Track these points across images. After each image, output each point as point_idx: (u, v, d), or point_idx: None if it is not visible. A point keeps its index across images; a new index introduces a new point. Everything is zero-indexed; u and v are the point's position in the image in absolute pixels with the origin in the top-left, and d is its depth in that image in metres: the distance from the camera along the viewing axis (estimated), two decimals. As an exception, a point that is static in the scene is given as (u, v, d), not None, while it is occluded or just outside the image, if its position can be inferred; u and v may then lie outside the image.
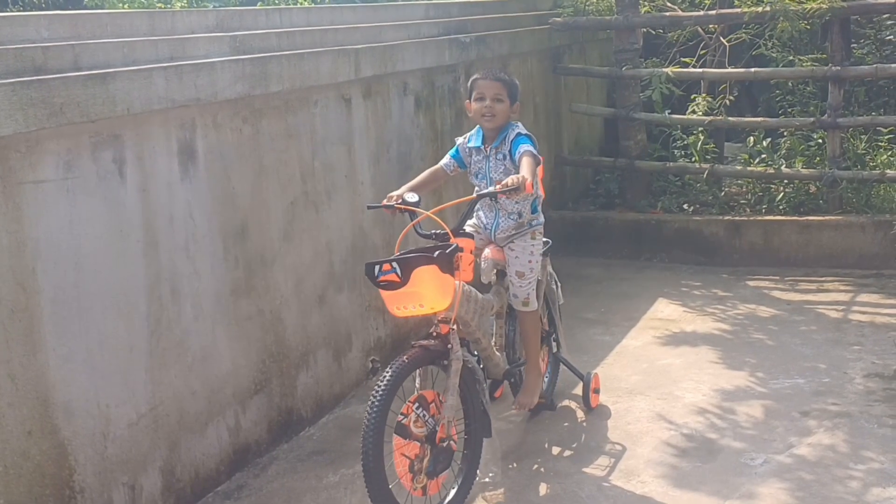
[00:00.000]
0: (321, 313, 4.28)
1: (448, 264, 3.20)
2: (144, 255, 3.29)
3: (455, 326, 3.31)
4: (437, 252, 3.19)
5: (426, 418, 3.20)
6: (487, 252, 3.72)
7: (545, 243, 3.93)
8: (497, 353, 3.75)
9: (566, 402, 4.28)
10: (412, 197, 3.47)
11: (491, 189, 3.42)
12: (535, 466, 3.67)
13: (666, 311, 5.43)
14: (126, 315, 3.22)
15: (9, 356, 2.79)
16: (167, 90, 3.27)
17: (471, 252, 3.48)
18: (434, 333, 3.31)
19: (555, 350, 4.19)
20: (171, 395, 3.40)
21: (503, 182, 3.30)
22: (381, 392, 3.05)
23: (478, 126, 3.75)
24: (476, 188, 3.76)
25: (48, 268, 2.91)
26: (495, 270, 3.77)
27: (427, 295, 3.17)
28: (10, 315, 2.79)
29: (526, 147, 3.52)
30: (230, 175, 3.70)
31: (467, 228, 3.73)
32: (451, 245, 3.26)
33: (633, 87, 6.83)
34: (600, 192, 7.22)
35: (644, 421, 4.04)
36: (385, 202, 3.51)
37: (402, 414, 3.17)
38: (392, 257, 3.23)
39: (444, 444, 3.22)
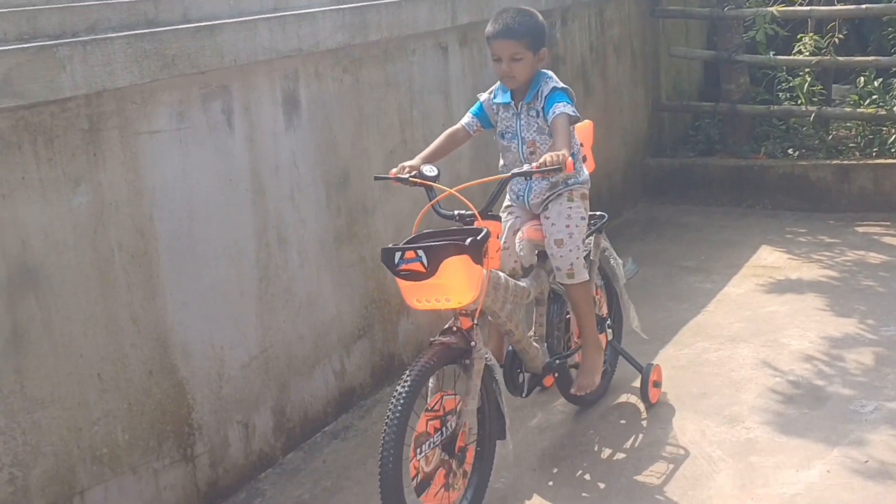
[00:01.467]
0: (421, 261, 4.33)
1: (479, 252, 2.79)
2: (252, 203, 3.39)
3: (478, 321, 2.92)
4: (468, 239, 2.77)
5: (445, 425, 2.85)
6: (522, 233, 3.32)
7: (599, 217, 3.55)
8: (535, 345, 3.31)
9: (624, 398, 3.81)
10: (430, 170, 3.08)
11: (526, 168, 3.03)
12: (579, 472, 3.28)
13: (769, 259, 5.30)
14: (236, 262, 3.33)
15: (130, 299, 2.93)
16: (271, 41, 3.33)
17: (497, 236, 3.12)
18: (454, 328, 2.90)
19: (610, 338, 3.75)
20: (280, 338, 3.52)
21: (541, 160, 2.91)
22: (401, 398, 2.69)
23: None
24: (502, 151, 3.38)
25: (164, 216, 3.04)
26: (536, 252, 3.37)
27: (455, 288, 2.77)
28: (130, 260, 2.92)
29: (561, 107, 3.10)
30: (332, 124, 3.76)
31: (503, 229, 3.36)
32: (482, 230, 2.83)
33: (736, 28, 6.60)
34: (700, 139, 7.05)
35: (748, 368, 3.97)
36: (396, 172, 3.11)
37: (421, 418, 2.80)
38: (417, 244, 2.79)
39: (463, 453, 2.91)
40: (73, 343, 2.75)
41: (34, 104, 2.59)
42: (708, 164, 6.57)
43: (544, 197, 3.32)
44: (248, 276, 3.38)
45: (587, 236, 3.41)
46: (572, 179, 3.31)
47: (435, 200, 3.01)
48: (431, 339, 2.92)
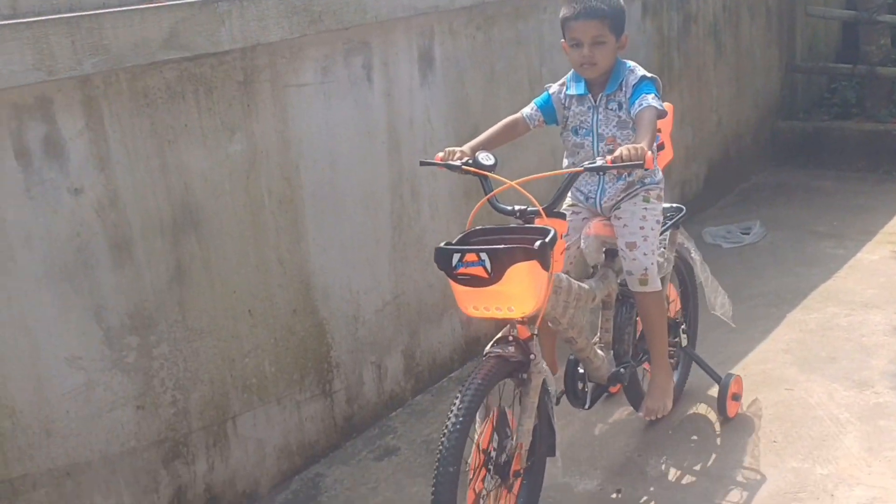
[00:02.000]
0: (546, 217, 4.41)
1: (547, 257, 2.47)
2: (388, 155, 3.54)
3: (538, 331, 2.62)
4: (538, 242, 2.45)
5: (502, 446, 2.57)
6: (589, 228, 3.00)
7: (676, 210, 3.25)
8: (600, 353, 3.01)
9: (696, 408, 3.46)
10: (487, 159, 2.74)
11: (600, 162, 2.61)
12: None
13: (906, 226, 5.13)
14: (372, 211, 3.49)
15: (278, 243, 3.13)
16: (410, -2, 3.45)
17: (562, 236, 2.73)
18: (510, 338, 2.59)
19: (684, 344, 3.42)
20: (411, 286, 3.68)
21: (616, 153, 2.57)
22: (459, 418, 2.40)
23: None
24: (571, 149, 3.02)
25: (308, 165, 3.21)
26: (604, 249, 3.06)
27: (520, 297, 2.46)
28: (278, 206, 3.12)
29: (649, 100, 2.77)
30: (464, 81, 3.86)
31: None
32: (549, 231, 2.51)
33: (879, -13, 6.32)
34: (835, 102, 6.81)
35: (879, 334, 3.89)
36: (443, 157, 2.80)
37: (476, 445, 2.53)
38: (481, 247, 2.46)
39: (518, 477, 2.61)
40: (227, 280, 2.97)
41: (197, 56, 2.79)
42: (843, 129, 6.36)
43: (619, 199, 2.99)
44: (382, 226, 3.54)
45: (662, 232, 3.11)
46: (648, 179, 2.99)
47: (493, 193, 2.69)
48: (486, 350, 2.59)
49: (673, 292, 3.38)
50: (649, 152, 2.55)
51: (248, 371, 3.05)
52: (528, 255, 2.43)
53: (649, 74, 2.88)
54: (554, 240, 2.50)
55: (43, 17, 2.44)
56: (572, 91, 2.96)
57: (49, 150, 2.48)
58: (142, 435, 2.77)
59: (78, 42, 2.46)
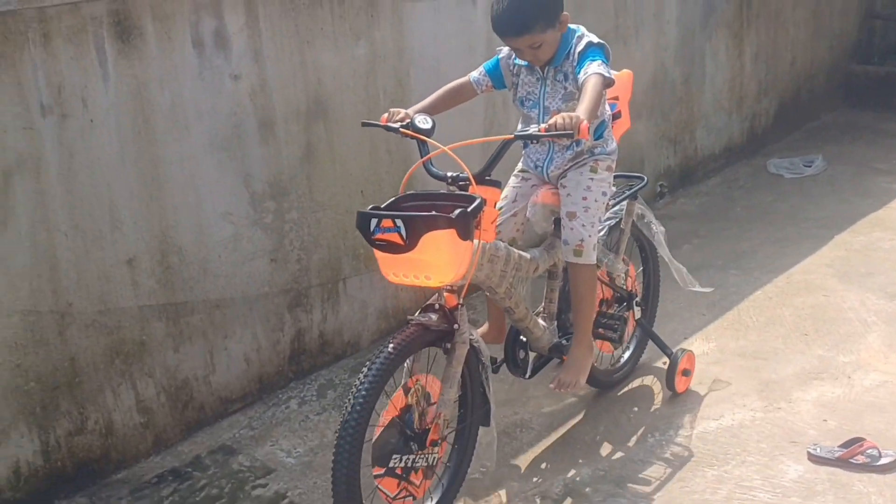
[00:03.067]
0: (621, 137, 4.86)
1: (468, 226, 2.37)
2: (485, 69, 4.03)
3: (463, 301, 2.56)
4: (457, 211, 2.35)
5: (422, 414, 2.52)
6: (536, 196, 2.91)
7: (637, 179, 3.21)
8: (541, 324, 2.95)
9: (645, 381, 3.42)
10: (425, 122, 2.67)
11: (533, 129, 2.50)
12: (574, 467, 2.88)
13: (965, 168, 5.42)
14: (468, 118, 3.99)
15: (387, 135, 3.67)
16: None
17: (494, 204, 2.64)
18: (436, 306, 2.55)
19: (638, 316, 3.32)
20: (496, 186, 4.19)
21: (550, 121, 2.45)
22: (364, 385, 2.35)
23: None
24: (523, 118, 2.92)
25: (418, 72, 3.73)
26: (553, 219, 2.95)
27: (437, 266, 2.39)
28: (390, 104, 3.64)
29: (594, 67, 2.61)
30: (556, 6, 4.31)
31: (510, 195, 2.97)
32: (476, 199, 2.42)
33: (966, -64, 6.46)
34: (912, 49, 7.01)
35: (932, 262, 4.28)
36: (386, 118, 2.75)
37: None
38: (396, 213, 2.39)
39: (436, 445, 2.54)
40: (346, 163, 3.54)
41: (333, -29, 3.32)
42: (916, 75, 6.59)
43: (566, 167, 2.90)
44: (476, 131, 4.05)
45: (618, 202, 3.11)
46: (598, 149, 2.89)
47: (426, 158, 2.62)
48: (409, 317, 2.58)
49: (629, 265, 3.30)
50: (585, 121, 2.41)
51: (357, 243, 3.63)
52: (447, 223, 2.33)
53: (597, 40, 2.75)
54: (478, 209, 2.40)
55: (217, -68, 2.99)
56: (521, 61, 2.83)
57: (217, 42, 3.05)
58: (273, 283, 3.39)
59: (244, -47, 3.00)
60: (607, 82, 2.63)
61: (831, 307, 3.86)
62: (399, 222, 2.35)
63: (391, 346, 2.43)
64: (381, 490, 2.47)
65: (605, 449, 3.03)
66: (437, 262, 2.38)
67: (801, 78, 6.35)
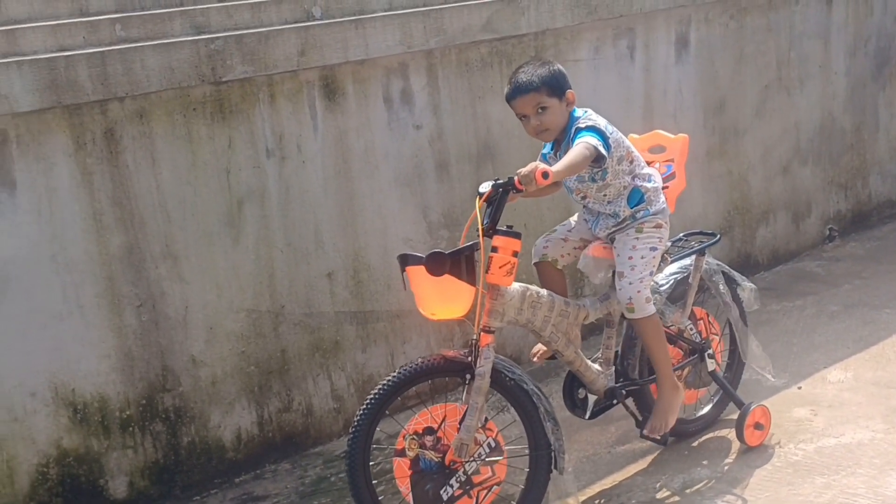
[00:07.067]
0: (784, 181, 5.12)
1: (439, 265, 2.70)
2: (643, 119, 4.48)
3: (492, 340, 2.83)
4: (432, 251, 2.75)
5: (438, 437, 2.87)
6: (589, 249, 3.13)
7: (709, 236, 3.35)
8: (593, 367, 3.14)
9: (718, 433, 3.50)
10: (485, 187, 2.91)
11: (508, 178, 2.79)
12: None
13: None
14: (627, 108, 4.45)
15: (550, 177, 4.22)
16: (670, -6, 4.37)
17: (514, 253, 2.79)
18: (470, 342, 2.87)
19: (711, 369, 3.41)
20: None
21: (519, 170, 2.72)
22: (366, 408, 2.83)
23: None
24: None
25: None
26: (611, 271, 3.15)
27: (426, 299, 2.78)
28: (552, 150, 4.19)
29: (585, 138, 2.85)
30: (714, 61, 4.70)
31: (571, 222, 3.25)
32: (466, 246, 2.74)
33: None
34: None
35: None
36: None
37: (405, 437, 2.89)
38: (402, 254, 2.87)
39: (454, 470, 2.86)
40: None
41: (503, 37, 3.94)
42: None
43: (611, 230, 3.12)
44: (635, 119, 4.48)
45: (682, 256, 3.29)
46: (641, 213, 3.07)
47: (470, 220, 2.84)
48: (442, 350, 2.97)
49: (701, 312, 3.42)
50: (542, 175, 2.64)
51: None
52: (416, 260, 2.76)
53: (593, 122, 2.94)
54: (457, 253, 2.72)
55: (406, 10, 3.71)
56: (545, 149, 3.15)
57: (403, 98, 3.75)
58: (445, 299, 4.00)
59: (427, 27, 3.70)
60: (592, 150, 2.82)
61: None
62: (399, 259, 2.84)
63: (404, 369, 2.84)
64: None
65: (725, 454, 3.34)
66: (423, 295, 2.79)
67: None
